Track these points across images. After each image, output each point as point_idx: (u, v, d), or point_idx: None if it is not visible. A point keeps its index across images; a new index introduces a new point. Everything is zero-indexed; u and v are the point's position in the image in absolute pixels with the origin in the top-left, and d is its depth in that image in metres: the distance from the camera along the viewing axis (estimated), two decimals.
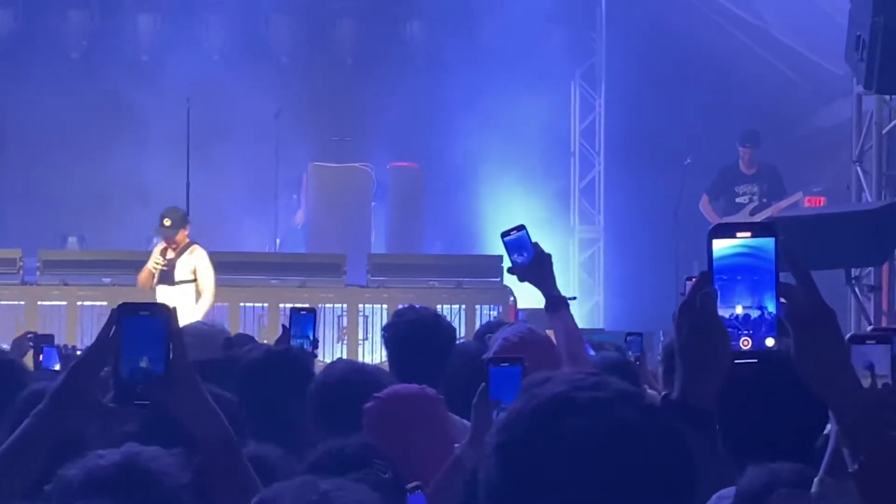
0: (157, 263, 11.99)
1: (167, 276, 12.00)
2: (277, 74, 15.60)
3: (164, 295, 11.71)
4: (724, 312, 2.28)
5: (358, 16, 16.20)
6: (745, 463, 2.81)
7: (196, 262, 12.04)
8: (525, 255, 4.77)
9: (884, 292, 10.66)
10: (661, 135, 14.67)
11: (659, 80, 14.84)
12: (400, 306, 6.20)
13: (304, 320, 5.65)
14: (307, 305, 6.03)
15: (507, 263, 4.90)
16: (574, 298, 4.85)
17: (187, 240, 12.05)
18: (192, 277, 12.00)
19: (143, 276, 12.12)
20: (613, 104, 16.30)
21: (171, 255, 11.98)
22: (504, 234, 4.81)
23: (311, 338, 5.64)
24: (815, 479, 2.51)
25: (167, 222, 11.93)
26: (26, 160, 15.92)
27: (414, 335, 5.28)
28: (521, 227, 4.80)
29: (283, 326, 5.80)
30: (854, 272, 10.05)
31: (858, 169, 11.24)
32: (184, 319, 11.45)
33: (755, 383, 2.94)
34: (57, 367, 6.90)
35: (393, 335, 5.42)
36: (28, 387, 4.29)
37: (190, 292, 11.96)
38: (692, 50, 14.97)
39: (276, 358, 5.05)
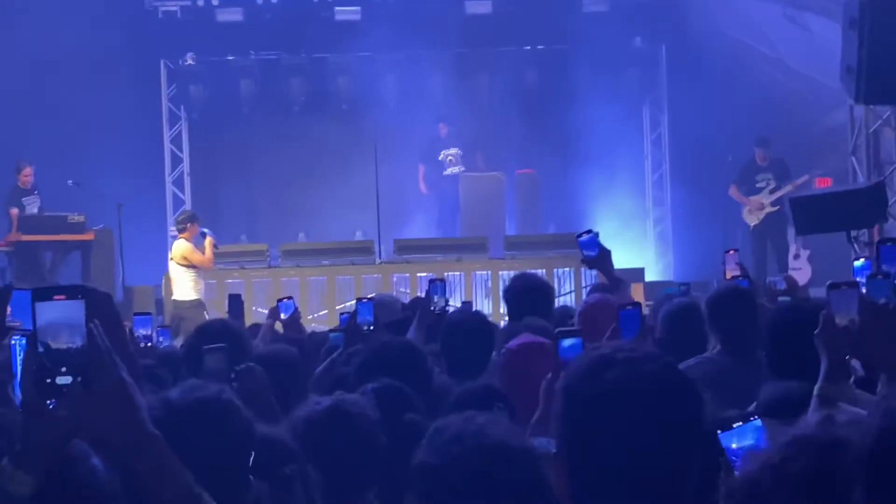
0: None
1: None
2: (442, 107, 15.56)
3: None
4: None
5: (496, 73, 16.17)
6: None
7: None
8: (594, 250, 4.81)
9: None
10: (708, 140, 14.48)
11: (707, 102, 14.56)
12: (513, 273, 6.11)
13: (439, 287, 5.38)
14: (438, 277, 5.86)
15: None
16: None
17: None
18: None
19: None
20: (674, 120, 16.21)
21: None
22: (579, 236, 4.86)
23: (445, 298, 5.37)
24: (816, 387, 2.79)
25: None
26: (270, 181, 16.37)
27: (526, 295, 5.13)
28: (590, 231, 4.85)
29: (427, 293, 5.42)
30: (853, 233, 10.02)
31: (853, 159, 11.29)
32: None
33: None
34: (283, 316, 6.57)
35: (512, 296, 5.25)
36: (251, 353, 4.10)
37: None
38: (730, 77, 14.78)
39: (472, 317, 4.93)
